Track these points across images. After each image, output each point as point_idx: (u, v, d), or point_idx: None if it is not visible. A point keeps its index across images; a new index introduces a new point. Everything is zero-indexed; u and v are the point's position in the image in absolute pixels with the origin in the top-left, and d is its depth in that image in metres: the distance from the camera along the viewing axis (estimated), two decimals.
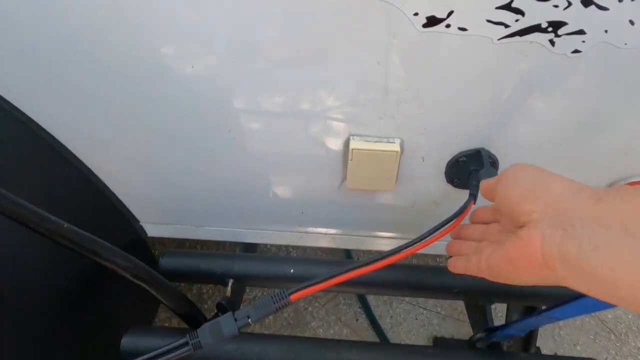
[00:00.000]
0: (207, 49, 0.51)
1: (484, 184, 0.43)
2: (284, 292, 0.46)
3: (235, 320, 0.46)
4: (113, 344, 0.60)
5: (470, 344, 0.60)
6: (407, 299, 1.39)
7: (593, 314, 1.44)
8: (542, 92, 0.52)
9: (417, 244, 0.46)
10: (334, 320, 1.33)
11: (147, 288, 0.54)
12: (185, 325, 0.62)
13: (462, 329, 1.32)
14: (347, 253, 1.44)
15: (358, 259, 1.47)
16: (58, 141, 0.62)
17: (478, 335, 0.58)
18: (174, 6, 0.47)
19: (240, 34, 0.49)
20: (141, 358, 0.46)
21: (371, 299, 1.38)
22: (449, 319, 1.34)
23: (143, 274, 0.53)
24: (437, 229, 0.48)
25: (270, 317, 1.35)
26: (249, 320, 0.46)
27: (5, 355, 0.51)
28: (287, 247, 1.48)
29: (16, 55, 0.53)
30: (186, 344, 0.47)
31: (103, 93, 0.57)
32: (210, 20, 0.48)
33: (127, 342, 0.57)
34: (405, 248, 0.46)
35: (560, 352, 1.33)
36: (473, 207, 0.53)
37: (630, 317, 1.44)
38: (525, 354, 0.61)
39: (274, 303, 0.46)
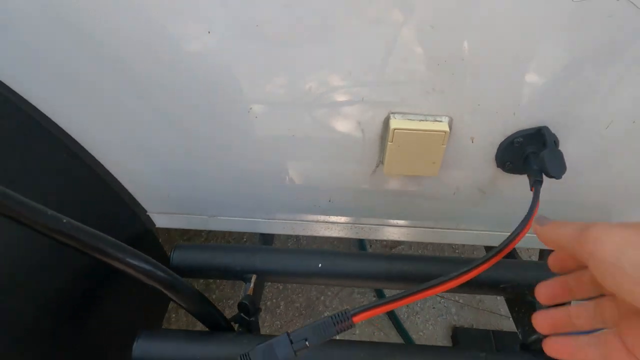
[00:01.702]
0: (221, 19, 0.43)
1: (555, 233, 0.32)
2: (346, 313, 0.39)
3: (292, 342, 0.39)
4: (119, 347, 0.54)
5: (523, 345, 0.53)
6: None
7: None
8: (627, 62, 0.44)
9: (515, 239, 0.41)
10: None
11: (161, 289, 0.48)
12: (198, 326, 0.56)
13: (481, 318, 1.27)
14: (360, 241, 1.38)
15: (370, 246, 1.41)
16: (56, 125, 0.55)
17: (534, 337, 0.52)
18: None
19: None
20: None
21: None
22: (467, 308, 1.29)
23: (156, 274, 0.46)
24: (526, 222, 0.42)
25: (282, 306, 1.30)
26: (307, 343, 0.39)
27: None
28: (296, 236, 1.42)
29: (23, 48, 0.46)
30: None
31: (105, 77, 0.49)
32: None
33: (139, 348, 0.51)
34: (476, 267, 0.41)
35: None
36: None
37: None
38: None
39: (335, 325, 0.39)
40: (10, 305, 0.47)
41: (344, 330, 0.40)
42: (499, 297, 1.23)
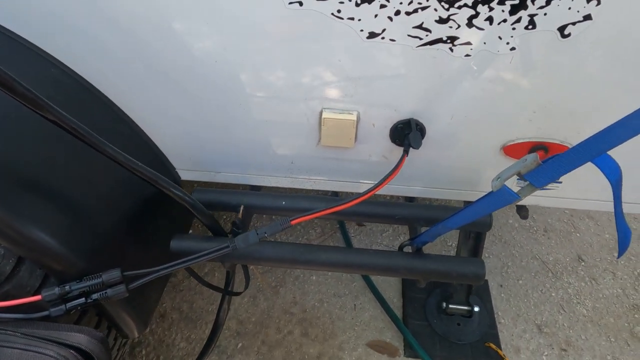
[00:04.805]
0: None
1: None
2: (287, 219, 0.74)
3: (257, 234, 0.74)
4: (163, 244, 0.90)
5: (400, 248, 0.89)
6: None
7: (537, 256, 1.75)
8: (447, 81, 0.78)
9: (378, 186, 0.76)
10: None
11: (189, 208, 0.83)
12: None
13: None
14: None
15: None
16: (121, 109, 0.90)
17: (405, 242, 0.87)
18: None
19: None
20: (201, 253, 0.75)
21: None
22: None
23: (185, 199, 0.82)
24: (387, 177, 0.77)
25: None
26: (266, 234, 0.74)
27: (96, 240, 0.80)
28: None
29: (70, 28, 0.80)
30: (227, 246, 0.76)
31: (152, 75, 0.84)
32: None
33: (176, 244, 0.87)
34: (372, 189, 0.75)
35: (505, 285, 1.64)
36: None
37: (568, 259, 1.74)
38: (433, 254, 0.91)
39: (281, 225, 0.74)
40: (99, 217, 0.83)
41: (286, 228, 0.76)
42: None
